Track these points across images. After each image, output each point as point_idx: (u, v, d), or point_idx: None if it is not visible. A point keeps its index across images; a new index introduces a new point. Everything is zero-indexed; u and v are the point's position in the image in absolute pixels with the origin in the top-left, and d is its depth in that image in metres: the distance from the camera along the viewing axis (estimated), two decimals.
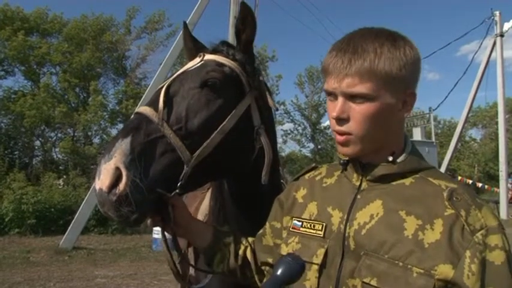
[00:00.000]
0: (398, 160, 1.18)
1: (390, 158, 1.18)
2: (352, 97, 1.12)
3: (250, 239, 1.52)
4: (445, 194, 1.09)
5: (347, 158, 1.26)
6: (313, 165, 1.47)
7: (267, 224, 1.47)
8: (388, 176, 1.17)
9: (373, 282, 1.05)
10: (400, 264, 1.04)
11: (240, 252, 1.47)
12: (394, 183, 1.17)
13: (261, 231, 1.50)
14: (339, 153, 1.24)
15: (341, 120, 1.14)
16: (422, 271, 1.01)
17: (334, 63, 1.14)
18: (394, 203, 1.12)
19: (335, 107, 1.14)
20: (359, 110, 1.12)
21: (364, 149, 1.17)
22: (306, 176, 1.43)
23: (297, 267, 1.06)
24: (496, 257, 1.01)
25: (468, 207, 1.06)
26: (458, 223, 1.04)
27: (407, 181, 1.16)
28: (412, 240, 1.05)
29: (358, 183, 1.22)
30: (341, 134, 1.16)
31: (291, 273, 1.05)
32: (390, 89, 1.12)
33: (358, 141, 1.15)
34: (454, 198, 1.08)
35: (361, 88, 1.10)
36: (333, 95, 1.16)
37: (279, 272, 1.05)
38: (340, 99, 1.13)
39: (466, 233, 1.02)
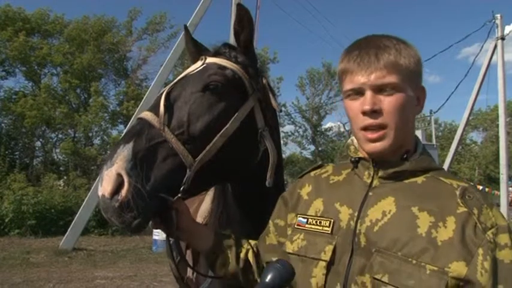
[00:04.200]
0: (411, 158, 1.20)
1: (405, 156, 1.20)
2: (380, 90, 1.15)
3: (252, 242, 1.51)
4: (457, 192, 1.10)
5: (359, 156, 1.26)
6: (320, 163, 1.48)
7: (270, 222, 1.47)
8: (401, 173, 1.18)
9: (385, 279, 1.05)
10: (414, 261, 1.04)
11: (242, 255, 1.46)
12: (406, 181, 1.18)
13: (264, 231, 1.50)
14: (368, 151, 1.21)
15: (374, 112, 1.14)
16: (435, 269, 1.01)
17: (360, 60, 1.17)
18: (407, 200, 1.13)
19: (364, 102, 1.15)
20: (390, 101, 1.14)
21: (395, 144, 1.16)
22: (312, 174, 1.43)
23: (286, 273, 1.05)
24: (506, 256, 1.02)
25: (480, 205, 1.07)
26: (471, 221, 1.05)
27: (419, 179, 1.17)
28: (425, 238, 1.05)
29: (369, 181, 1.22)
30: (375, 128, 1.15)
31: (281, 280, 1.04)
32: (410, 83, 1.17)
33: (392, 134, 1.15)
34: (467, 197, 1.09)
35: (391, 78, 1.14)
36: (357, 92, 1.18)
37: (268, 278, 1.03)
38: (369, 93, 1.15)
39: (479, 231, 1.03)
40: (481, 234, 1.03)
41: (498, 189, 22.46)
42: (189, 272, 1.86)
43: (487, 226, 1.04)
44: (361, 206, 1.18)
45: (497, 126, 25.05)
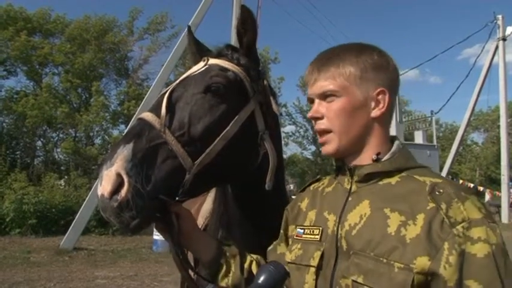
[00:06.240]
0: (383, 159, 1.22)
1: (374, 157, 1.22)
2: (324, 97, 1.26)
3: (254, 256, 1.51)
4: (426, 188, 1.11)
5: (338, 164, 1.33)
6: (318, 177, 1.51)
7: (282, 232, 1.50)
8: (374, 175, 1.21)
9: (360, 280, 1.08)
10: (384, 260, 1.06)
11: (246, 265, 1.45)
12: (380, 182, 1.20)
13: (276, 241, 1.51)
14: (322, 154, 1.35)
15: (316, 119, 1.27)
16: (402, 265, 1.03)
17: (307, 73, 1.31)
18: (380, 202, 1.15)
19: (311, 110, 1.29)
20: (330, 107, 1.24)
21: (342, 145, 1.24)
22: (311, 187, 1.47)
23: (278, 275, 1.06)
24: (479, 250, 1.01)
25: (450, 200, 1.06)
26: (438, 216, 1.05)
27: (394, 180, 1.19)
28: (394, 236, 1.07)
29: (348, 187, 1.26)
30: (320, 133, 1.27)
31: (274, 281, 1.05)
32: (358, 88, 1.23)
33: (336, 138, 1.24)
34: (436, 192, 1.09)
35: (329, 86, 1.24)
36: (312, 101, 1.30)
37: (261, 280, 1.04)
38: (316, 102, 1.28)
39: (445, 226, 1.03)
40: (448, 229, 1.02)
41: (499, 190, 22.49)
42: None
43: (456, 220, 1.03)
44: (342, 211, 1.22)
45: (498, 127, 25.10)
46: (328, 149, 1.26)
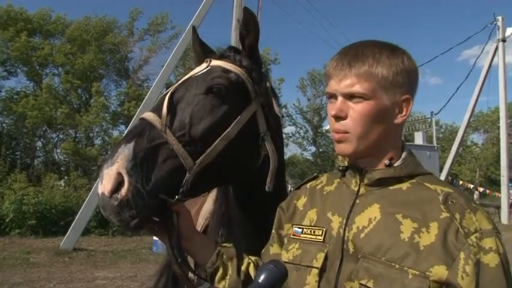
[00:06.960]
0: (395, 165, 1.21)
1: (387, 162, 1.21)
2: (350, 97, 1.18)
3: (252, 258, 1.50)
4: (440, 198, 1.11)
5: (346, 164, 1.29)
6: (315, 174, 1.50)
7: (274, 232, 1.47)
8: (385, 180, 1.20)
9: (370, 284, 1.07)
10: (397, 266, 1.05)
11: (243, 268, 1.44)
12: (391, 187, 1.19)
13: (268, 242, 1.49)
14: (336, 153, 1.27)
15: (339, 118, 1.20)
16: (417, 273, 1.03)
17: (335, 66, 1.21)
18: (391, 207, 1.15)
19: (334, 107, 1.20)
20: (356, 109, 1.17)
21: (359, 148, 1.19)
22: (308, 185, 1.45)
23: (279, 274, 1.07)
24: (491, 260, 1.03)
25: (463, 210, 1.08)
26: (453, 226, 1.06)
27: (404, 186, 1.19)
28: (408, 242, 1.07)
29: (356, 189, 1.24)
30: (338, 132, 1.21)
31: (274, 281, 1.05)
32: (386, 92, 1.18)
33: (354, 140, 1.19)
34: (450, 202, 1.10)
35: (359, 88, 1.16)
36: (333, 96, 1.22)
37: (261, 279, 1.05)
38: (340, 99, 1.20)
39: (460, 235, 1.04)
40: (463, 239, 1.04)
41: (499, 191, 22.52)
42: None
43: (470, 231, 1.05)
44: (349, 213, 1.20)
45: (498, 128, 25.11)
46: (344, 148, 1.21)
